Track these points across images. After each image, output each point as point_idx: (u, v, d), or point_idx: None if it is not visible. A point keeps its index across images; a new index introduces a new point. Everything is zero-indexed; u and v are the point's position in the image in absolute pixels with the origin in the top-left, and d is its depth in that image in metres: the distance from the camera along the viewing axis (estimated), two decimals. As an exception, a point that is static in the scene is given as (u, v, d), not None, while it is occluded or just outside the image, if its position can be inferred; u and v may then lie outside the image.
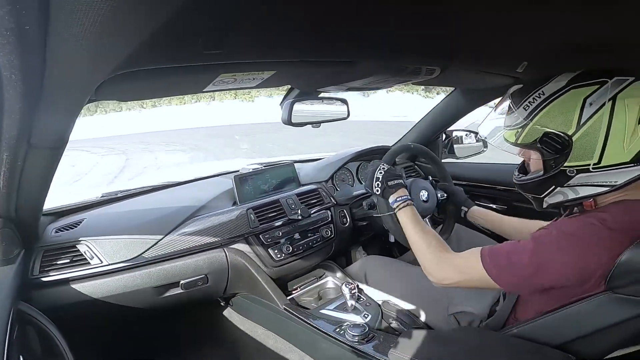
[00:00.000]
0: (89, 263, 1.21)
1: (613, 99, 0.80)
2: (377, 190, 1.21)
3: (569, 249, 0.82)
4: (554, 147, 0.87)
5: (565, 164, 0.87)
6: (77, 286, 1.20)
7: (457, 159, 2.16)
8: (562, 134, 0.85)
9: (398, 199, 1.17)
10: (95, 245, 1.24)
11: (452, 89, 1.91)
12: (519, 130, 0.92)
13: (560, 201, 0.93)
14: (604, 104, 0.81)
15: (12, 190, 0.92)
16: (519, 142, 0.93)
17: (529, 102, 0.91)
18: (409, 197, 1.17)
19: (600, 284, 0.82)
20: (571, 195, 0.90)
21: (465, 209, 1.46)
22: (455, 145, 2.14)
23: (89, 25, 0.47)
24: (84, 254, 1.22)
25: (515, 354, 0.88)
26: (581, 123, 0.83)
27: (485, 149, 2.14)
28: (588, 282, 0.83)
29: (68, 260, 1.20)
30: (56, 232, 1.28)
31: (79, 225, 1.32)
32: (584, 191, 0.88)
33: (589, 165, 0.84)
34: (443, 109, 2.03)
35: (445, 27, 0.87)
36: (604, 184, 0.84)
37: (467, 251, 0.98)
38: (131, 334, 1.68)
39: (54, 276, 1.18)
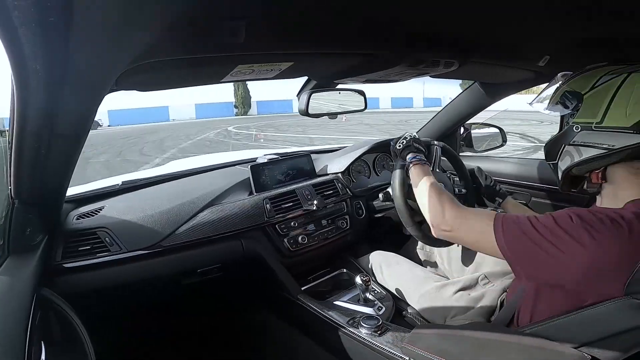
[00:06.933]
0: (109, 250, 1.24)
1: (629, 73, 0.88)
2: (399, 145, 1.26)
3: (586, 242, 0.79)
4: (569, 103, 0.97)
5: (573, 120, 0.95)
6: (97, 273, 1.23)
7: (475, 152, 2.13)
8: (576, 92, 0.95)
9: (415, 157, 1.20)
10: (115, 233, 1.26)
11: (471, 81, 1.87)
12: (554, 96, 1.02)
13: (569, 166, 0.98)
14: (619, 75, 0.89)
15: (36, 178, 0.94)
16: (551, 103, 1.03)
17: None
18: (427, 161, 1.19)
19: (618, 289, 0.79)
20: (576, 156, 0.96)
21: (500, 200, 1.44)
22: (474, 139, 2.11)
23: (111, 16, 0.48)
24: (104, 240, 1.24)
25: (526, 349, 0.87)
26: (595, 86, 0.92)
27: (504, 143, 2.10)
28: (598, 282, 0.80)
29: (89, 247, 1.22)
30: (77, 218, 1.30)
31: (99, 212, 1.35)
32: (586, 152, 0.93)
33: (592, 123, 0.91)
34: (461, 102, 1.99)
35: (465, 20, 0.85)
36: (602, 145, 0.90)
37: (482, 209, 1.01)
38: (149, 322, 1.71)
39: (75, 262, 1.20)
